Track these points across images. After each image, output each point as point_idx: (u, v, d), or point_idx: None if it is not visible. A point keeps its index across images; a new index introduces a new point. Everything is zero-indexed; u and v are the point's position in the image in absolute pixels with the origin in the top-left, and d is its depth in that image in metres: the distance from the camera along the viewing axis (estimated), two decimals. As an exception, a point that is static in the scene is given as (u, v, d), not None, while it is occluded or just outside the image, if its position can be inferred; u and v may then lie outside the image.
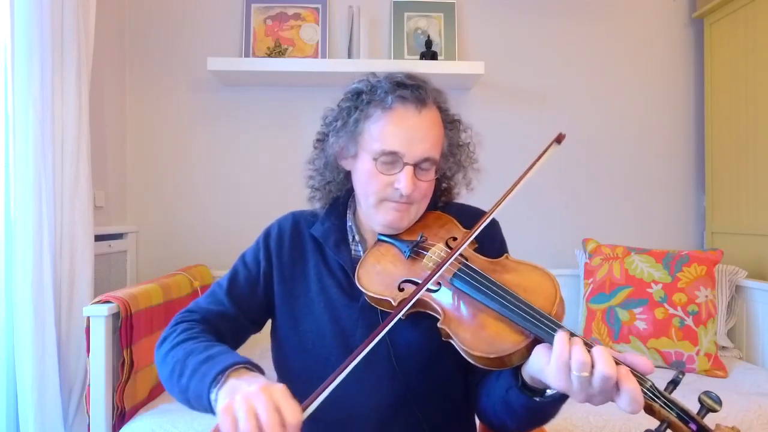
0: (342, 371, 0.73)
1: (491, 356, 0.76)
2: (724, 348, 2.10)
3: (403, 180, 0.91)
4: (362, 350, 0.75)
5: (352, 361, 0.74)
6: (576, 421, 1.55)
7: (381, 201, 0.95)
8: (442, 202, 1.08)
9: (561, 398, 0.78)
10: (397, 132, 0.92)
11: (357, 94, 0.97)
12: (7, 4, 1.59)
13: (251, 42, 2.35)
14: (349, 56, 2.32)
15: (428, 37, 2.33)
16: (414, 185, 0.92)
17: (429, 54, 2.28)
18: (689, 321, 1.92)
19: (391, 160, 0.92)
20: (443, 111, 1.00)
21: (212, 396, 0.75)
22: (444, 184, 1.08)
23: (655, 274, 1.99)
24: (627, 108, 2.51)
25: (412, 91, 0.93)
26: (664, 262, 2.01)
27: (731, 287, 2.13)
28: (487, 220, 0.91)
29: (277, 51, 2.33)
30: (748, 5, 2.18)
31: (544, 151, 0.94)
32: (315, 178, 1.06)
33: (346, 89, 1.01)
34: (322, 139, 1.03)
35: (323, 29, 2.38)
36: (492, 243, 1.02)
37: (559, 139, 0.95)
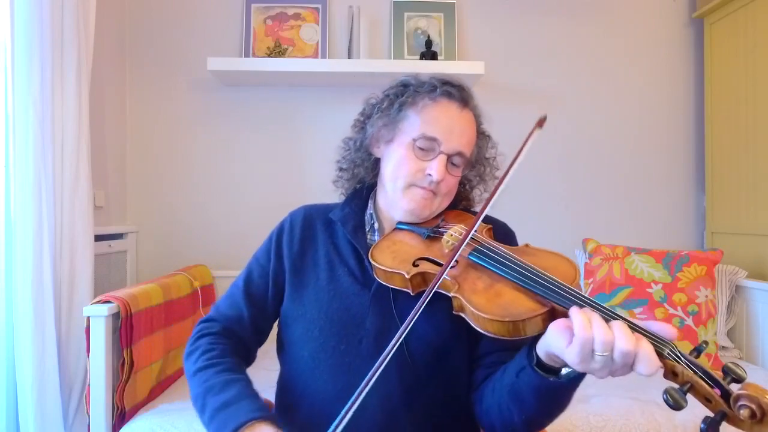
0: (342, 418, 0.75)
1: (505, 319, 0.74)
2: (724, 348, 2.10)
3: (435, 166, 0.96)
4: (382, 361, 0.77)
5: (356, 399, 0.76)
6: (576, 421, 1.54)
7: (409, 186, 0.99)
8: (462, 206, 1.12)
9: (575, 380, 0.77)
10: (440, 120, 0.98)
11: (405, 85, 1.04)
12: (7, 4, 1.59)
13: (251, 42, 2.35)
14: (349, 56, 2.32)
15: (428, 37, 2.33)
16: (444, 173, 0.97)
17: (429, 54, 2.28)
18: (689, 321, 1.92)
19: (429, 146, 0.97)
20: (478, 122, 1.06)
21: None
22: (462, 196, 1.12)
23: (655, 274, 1.99)
24: (627, 108, 2.51)
25: (458, 89, 1.01)
26: (664, 262, 2.01)
27: (731, 287, 2.13)
28: (491, 204, 0.92)
29: (277, 51, 2.33)
30: (748, 5, 2.18)
31: (529, 136, 0.94)
32: (345, 159, 1.11)
33: (392, 82, 1.06)
34: (363, 120, 1.08)
35: (323, 29, 2.38)
36: (509, 241, 1.04)
37: (540, 123, 0.96)
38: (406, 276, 0.89)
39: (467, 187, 1.11)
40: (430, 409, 0.95)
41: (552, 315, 0.74)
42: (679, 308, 1.94)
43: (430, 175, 0.96)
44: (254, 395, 0.90)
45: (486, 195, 1.12)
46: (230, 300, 1.07)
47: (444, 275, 0.84)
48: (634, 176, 2.51)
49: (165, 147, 2.40)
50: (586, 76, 2.50)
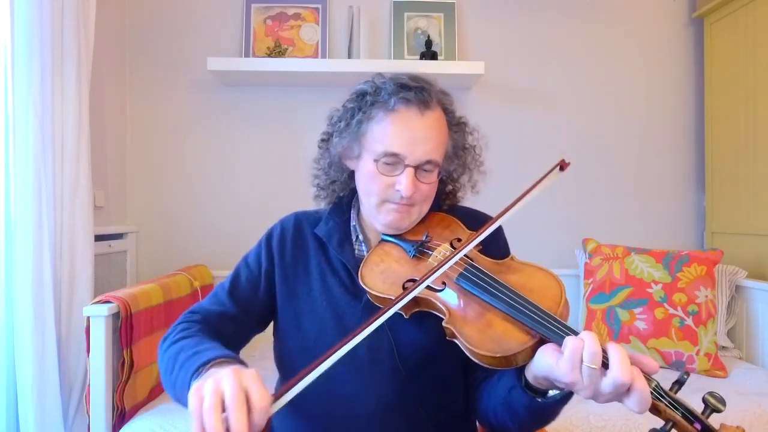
0: (321, 363, 0.72)
1: (497, 355, 0.76)
2: (724, 348, 2.10)
3: (403, 182, 0.92)
4: (347, 341, 0.74)
5: (333, 353, 0.73)
6: (576, 421, 1.55)
7: (382, 202, 0.96)
8: (447, 206, 1.09)
9: (563, 399, 0.78)
10: (399, 134, 0.92)
11: (361, 95, 0.98)
12: (7, 5, 1.59)
13: (251, 42, 2.35)
14: (349, 56, 2.32)
15: (428, 37, 2.33)
16: (415, 187, 0.93)
17: (429, 54, 2.28)
18: (689, 321, 1.92)
19: (393, 161, 0.93)
20: (448, 113, 1.00)
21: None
22: (449, 187, 1.08)
23: (655, 274, 1.99)
24: (627, 108, 2.51)
25: (415, 93, 0.93)
26: (664, 262, 2.01)
27: (731, 287, 2.13)
28: (487, 232, 0.90)
29: (277, 51, 2.33)
30: (749, 5, 2.18)
31: (545, 176, 0.93)
32: (320, 177, 1.08)
33: (352, 90, 1.01)
34: (326, 139, 1.04)
35: (323, 29, 2.38)
36: (497, 247, 1.02)
37: (562, 167, 0.94)
38: None
39: (453, 175, 1.05)
40: (425, 413, 0.95)
41: (541, 343, 0.76)
42: (679, 308, 1.94)
43: (399, 190, 0.93)
44: (230, 352, 0.83)
45: (471, 184, 1.08)
46: (214, 299, 1.03)
47: (422, 287, 0.83)
48: (634, 176, 2.51)
49: (165, 147, 2.40)
50: (586, 76, 2.50)
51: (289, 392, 0.69)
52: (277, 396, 0.69)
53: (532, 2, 2.47)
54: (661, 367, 1.90)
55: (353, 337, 0.75)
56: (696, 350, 1.90)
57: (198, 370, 0.76)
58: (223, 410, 0.65)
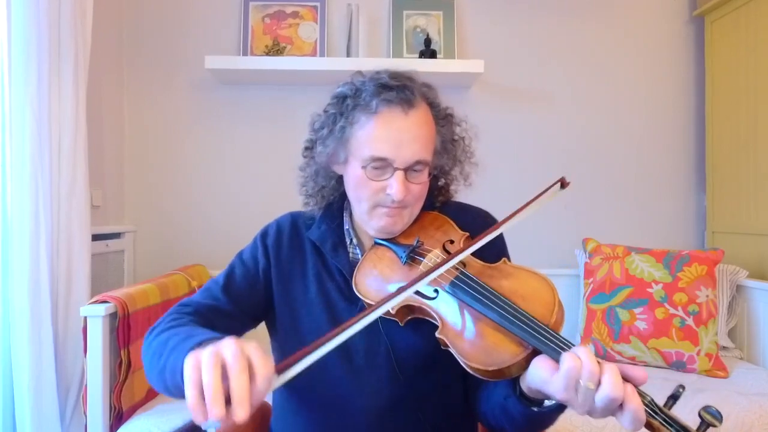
0: (328, 340, 0.69)
1: (490, 368, 0.76)
2: (724, 348, 2.09)
3: (394, 186, 0.89)
4: (351, 324, 0.72)
5: (339, 333, 0.70)
6: (576, 422, 1.54)
7: (373, 207, 0.93)
8: (440, 202, 1.06)
9: (559, 408, 0.78)
10: (385, 137, 0.89)
11: (342, 98, 0.95)
12: (4, 4, 1.58)
13: (249, 40, 2.34)
14: (348, 55, 2.31)
15: (427, 35, 2.32)
16: (406, 190, 0.90)
17: (428, 52, 2.27)
18: (690, 321, 1.91)
19: (381, 165, 0.90)
20: (434, 107, 0.97)
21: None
22: (441, 182, 1.05)
23: (655, 274, 1.98)
24: (627, 107, 2.50)
25: (397, 92, 0.89)
26: (664, 262, 2.00)
27: (732, 287, 2.12)
28: (477, 245, 0.88)
29: (276, 49, 2.32)
30: (749, 3, 2.17)
31: (545, 191, 0.93)
32: (308, 185, 1.05)
33: (332, 93, 0.98)
34: (310, 147, 1.01)
35: (322, 27, 2.37)
36: (491, 246, 1.01)
37: (563, 185, 0.93)
38: (392, 311, 0.87)
39: (444, 168, 1.02)
40: (424, 417, 0.94)
41: (534, 353, 0.75)
42: (679, 308, 1.93)
43: (390, 194, 0.90)
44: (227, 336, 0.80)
45: (463, 176, 1.05)
46: (207, 293, 1.01)
47: (414, 289, 0.81)
48: (634, 176, 2.50)
49: (163, 146, 2.39)
50: (586, 75, 2.49)
51: (293, 368, 0.66)
52: (279, 369, 0.65)
53: (531, 1, 2.46)
54: (661, 368, 1.91)
55: (358, 321, 0.72)
56: (697, 350, 1.89)
57: (193, 350, 0.68)
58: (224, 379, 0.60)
